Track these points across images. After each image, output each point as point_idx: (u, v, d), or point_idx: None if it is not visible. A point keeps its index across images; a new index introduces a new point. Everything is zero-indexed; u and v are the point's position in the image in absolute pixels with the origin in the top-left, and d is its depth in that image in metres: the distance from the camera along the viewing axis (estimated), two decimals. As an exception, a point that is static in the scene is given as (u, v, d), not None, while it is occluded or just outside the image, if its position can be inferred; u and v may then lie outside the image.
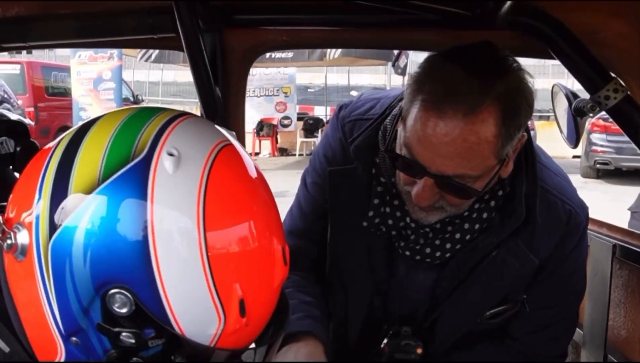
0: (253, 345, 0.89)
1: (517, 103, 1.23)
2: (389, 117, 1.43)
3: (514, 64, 1.25)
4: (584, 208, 1.46)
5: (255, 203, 0.84)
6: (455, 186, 1.26)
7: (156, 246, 0.76)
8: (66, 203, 0.79)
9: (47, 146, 0.88)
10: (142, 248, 0.76)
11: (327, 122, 15.66)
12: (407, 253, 1.43)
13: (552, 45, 1.39)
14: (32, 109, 13.49)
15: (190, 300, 0.78)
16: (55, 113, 14.05)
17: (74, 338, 0.81)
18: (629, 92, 1.34)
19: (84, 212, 0.78)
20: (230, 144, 0.86)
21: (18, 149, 0.91)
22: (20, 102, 12.56)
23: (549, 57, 1.44)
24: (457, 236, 1.40)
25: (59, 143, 0.85)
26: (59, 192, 0.80)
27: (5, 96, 11.63)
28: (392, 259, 1.47)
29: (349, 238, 1.47)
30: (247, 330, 0.83)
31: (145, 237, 0.76)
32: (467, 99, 1.19)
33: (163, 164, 0.79)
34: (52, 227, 0.79)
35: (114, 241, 0.77)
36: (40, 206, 0.80)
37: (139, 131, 0.82)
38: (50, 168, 0.82)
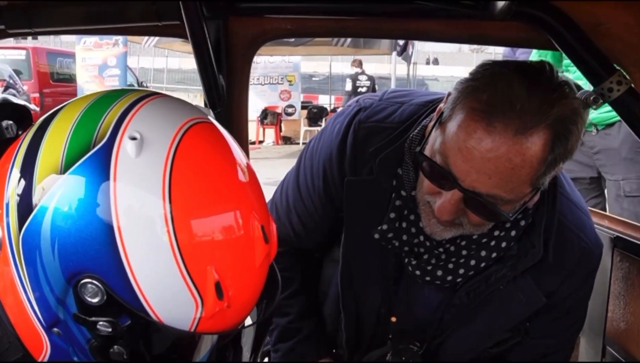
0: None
1: (570, 132, 1.17)
2: (417, 129, 1.35)
3: (570, 91, 1.19)
4: (598, 246, 1.42)
5: (230, 182, 0.81)
6: (484, 206, 1.19)
7: (122, 234, 0.75)
8: (31, 195, 0.78)
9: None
10: (108, 236, 0.75)
11: (332, 111, 15.72)
12: (418, 272, 1.38)
13: (556, 36, 1.38)
14: (37, 94, 13.51)
15: (162, 286, 0.76)
16: (60, 99, 14.00)
17: (55, 329, 0.81)
18: (632, 85, 1.33)
19: (48, 203, 0.76)
20: (201, 122, 0.82)
21: (20, 133, 0.91)
22: (25, 87, 12.59)
23: (552, 48, 1.44)
24: (472, 262, 1.35)
25: (27, 132, 0.84)
26: (25, 184, 0.78)
27: (11, 81, 11.67)
28: (401, 274, 1.43)
29: (360, 248, 1.43)
30: (230, 312, 0.80)
31: (110, 225, 0.75)
32: (522, 117, 1.12)
33: (125, 149, 0.76)
34: (21, 218, 0.78)
35: (80, 230, 0.75)
36: (9, 197, 0.79)
37: (102, 114, 0.79)
38: (17, 159, 0.81)
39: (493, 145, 1.12)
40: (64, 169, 0.77)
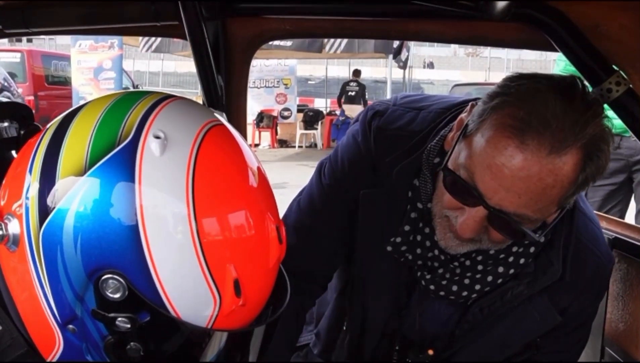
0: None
1: (602, 151, 1.13)
2: (435, 139, 1.32)
3: (602, 108, 1.15)
4: (611, 260, 1.42)
5: (246, 184, 0.83)
6: (509, 225, 1.16)
7: (146, 229, 0.76)
8: (54, 190, 0.78)
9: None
10: (132, 232, 0.76)
11: (328, 114, 15.76)
12: (432, 287, 1.35)
13: (555, 37, 1.39)
14: (32, 97, 13.47)
15: (184, 283, 0.77)
16: (55, 102, 14.02)
17: (70, 326, 0.81)
18: (631, 86, 1.34)
19: (72, 198, 0.77)
20: (219, 125, 0.85)
21: (22, 132, 0.91)
22: (20, 90, 12.55)
23: (551, 49, 1.44)
24: (489, 278, 1.32)
25: (46, 130, 0.84)
26: (47, 180, 0.79)
27: (6, 84, 11.63)
28: (413, 287, 1.40)
29: (372, 260, 1.39)
30: (244, 310, 0.82)
31: (135, 220, 0.76)
32: (556, 135, 1.08)
33: (150, 147, 0.78)
34: (42, 215, 0.78)
35: (104, 226, 0.76)
36: (30, 195, 0.80)
37: (125, 114, 0.81)
38: (37, 156, 0.81)
39: (525, 163, 1.09)
40: (88, 167, 0.78)
